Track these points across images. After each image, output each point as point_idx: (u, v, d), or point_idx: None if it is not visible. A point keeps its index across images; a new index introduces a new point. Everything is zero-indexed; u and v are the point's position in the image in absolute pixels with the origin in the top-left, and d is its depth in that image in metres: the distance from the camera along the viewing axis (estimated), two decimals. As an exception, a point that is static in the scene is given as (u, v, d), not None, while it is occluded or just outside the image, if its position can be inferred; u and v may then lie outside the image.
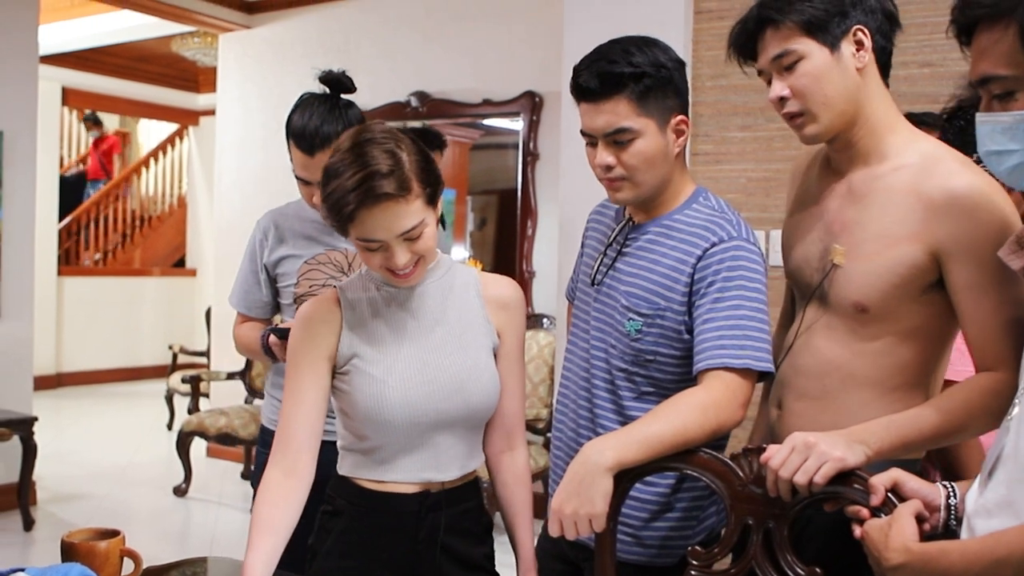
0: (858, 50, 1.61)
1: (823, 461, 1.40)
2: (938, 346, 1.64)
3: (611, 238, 1.84)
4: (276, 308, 2.47)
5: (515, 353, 1.77)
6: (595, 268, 1.83)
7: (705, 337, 1.63)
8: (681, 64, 1.73)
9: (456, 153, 5.65)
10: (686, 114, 1.74)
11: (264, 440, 2.46)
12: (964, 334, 1.57)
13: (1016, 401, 1.27)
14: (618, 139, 1.68)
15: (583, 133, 1.74)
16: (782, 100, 1.64)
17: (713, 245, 1.68)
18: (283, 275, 2.37)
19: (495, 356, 1.74)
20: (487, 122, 5.50)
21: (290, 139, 2.28)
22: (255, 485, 2.47)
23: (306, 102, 2.29)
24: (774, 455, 1.45)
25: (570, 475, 1.54)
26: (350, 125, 2.23)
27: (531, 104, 5.10)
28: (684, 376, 1.70)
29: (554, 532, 1.55)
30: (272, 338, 2.23)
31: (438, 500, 1.68)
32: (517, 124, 5.22)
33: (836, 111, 1.62)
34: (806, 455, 1.41)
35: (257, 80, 6.25)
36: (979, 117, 1.29)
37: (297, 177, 2.31)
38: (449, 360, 1.68)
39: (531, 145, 5.16)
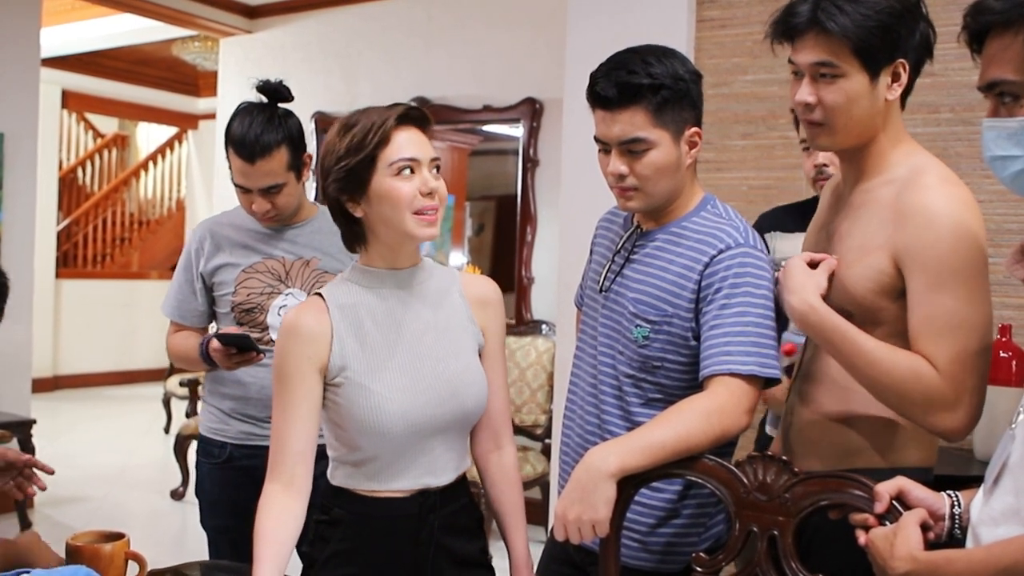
0: (893, 82, 1.61)
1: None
2: None
3: (619, 245, 1.84)
4: (211, 316, 2.49)
5: (498, 352, 1.79)
6: (603, 275, 1.84)
7: (711, 343, 1.63)
8: (698, 76, 1.74)
9: (455, 159, 5.66)
10: (700, 126, 1.75)
11: (205, 450, 2.46)
12: (911, 340, 1.58)
13: (1020, 409, 1.28)
14: (633, 149, 1.69)
15: (597, 140, 1.74)
16: (807, 105, 1.63)
17: (720, 252, 1.68)
18: (220, 284, 2.40)
19: (480, 356, 1.76)
20: (487, 128, 5.51)
21: (229, 147, 2.30)
22: (200, 496, 2.46)
23: (245, 111, 2.32)
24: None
25: (574, 481, 1.55)
26: (289, 134, 2.28)
27: (531, 111, 5.10)
28: (691, 383, 1.70)
29: (559, 537, 1.57)
30: (214, 343, 2.23)
31: (434, 502, 1.69)
32: (517, 130, 5.23)
33: (853, 133, 1.63)
34: None
35: (258, 84, 6.24)
36: (985, 123, 1.30)
37: (236, 185, 2.35)
38: (442, 366, 1.68)
39: (531, 151, 5.16)
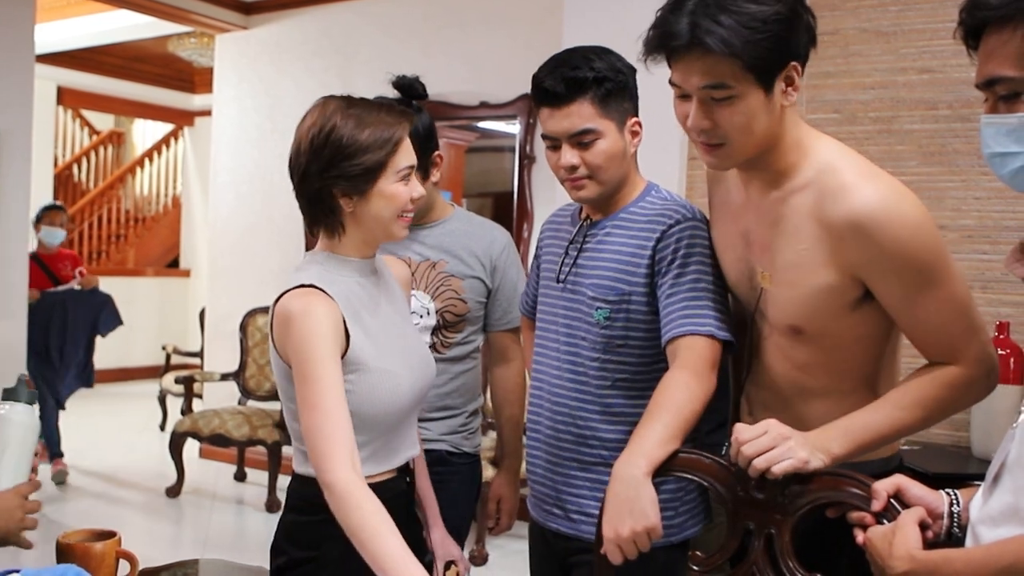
0: (788, 86, 1.52)
1: (787, 457, 1.45)
2: (884, 343, 1.65)
3: (571, 238, 1.91)
4: None
5: None
6: (559, 267, 1.91)
7: (670, 310, 1.72)
8: (634, 71, 1.82)
9: (452, 155, 5.65)
10: (638, 116, 1.85)
11: None
12: (909, 339, 1.57)
13: (1022, 408, 1.27)
14: (582, 140, 1.78)
15: (545, 137, 1.83)
16: (703, 130, 1.53)
17: (669, 227, 1.77)
18: None
19: None
20: (483, 125, 5.50)
21: None
22: None
23: None
24: (746, 430, 1.50)
25: (613, 498, 1.55)
26: (416, 132, 2.15)
27: (528, 107, 5.08)
28: (654, 358, 1.78)
29: (616, 560, 1.55)
30: None
31: (408, 473, 1.80)
32: (513, 127, 5.22)
33: (753, 145, 1.55)
34: (775, 444, 1.46)
35: (253, 81, 6.24)
36: (984, 119, 1.28)
37: None
38: (415, 341, 1.82)
39: (527, 148, 5.15)
